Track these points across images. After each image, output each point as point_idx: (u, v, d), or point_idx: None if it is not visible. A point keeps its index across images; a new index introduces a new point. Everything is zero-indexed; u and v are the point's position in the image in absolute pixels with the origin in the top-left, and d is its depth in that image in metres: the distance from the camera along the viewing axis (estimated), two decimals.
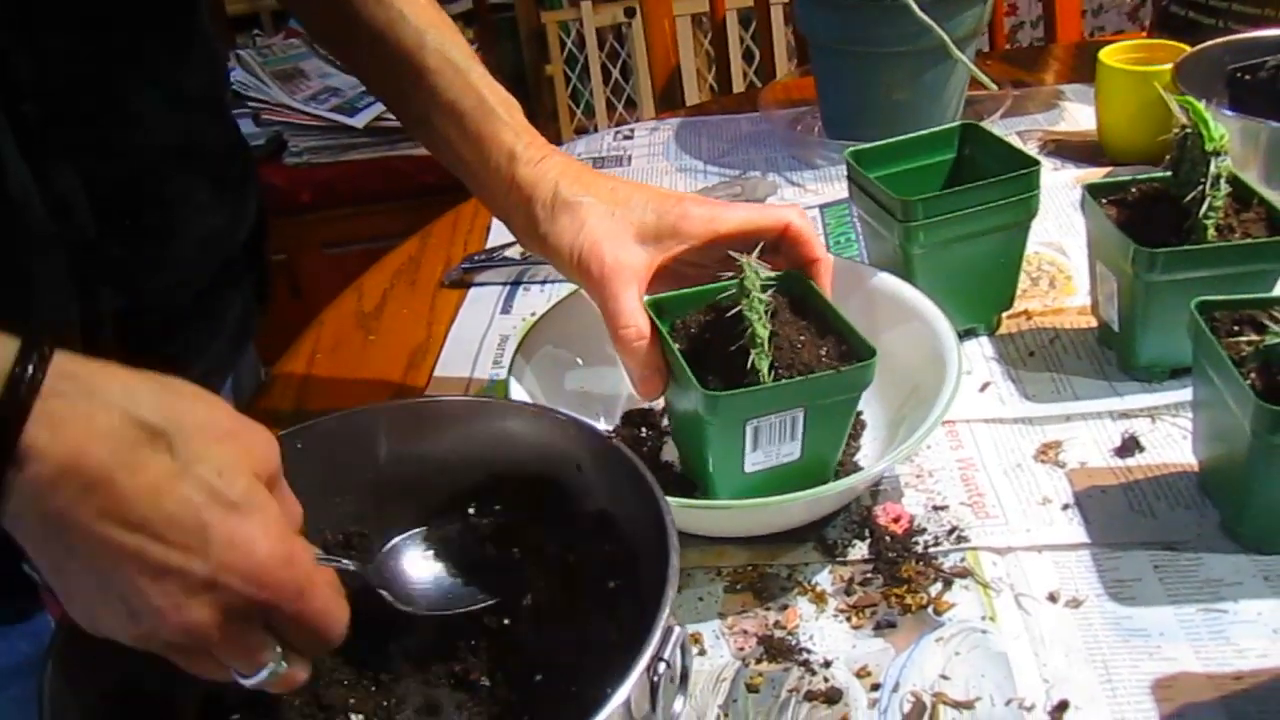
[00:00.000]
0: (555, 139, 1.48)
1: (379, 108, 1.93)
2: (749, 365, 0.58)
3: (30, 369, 0.40)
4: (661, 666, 0.43)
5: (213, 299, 0.73)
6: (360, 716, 0.54)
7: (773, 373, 0.59)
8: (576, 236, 0.63)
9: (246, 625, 0.44)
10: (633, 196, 0.64)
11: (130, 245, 0.65)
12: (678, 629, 0.44)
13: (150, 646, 0.43)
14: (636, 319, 0.61)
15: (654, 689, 0.43)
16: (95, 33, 0.62)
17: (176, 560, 0.41)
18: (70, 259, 0.61)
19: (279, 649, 0.45)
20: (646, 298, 0.64)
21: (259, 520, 0.43)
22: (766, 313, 0.59)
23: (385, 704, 0.54)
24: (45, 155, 0.59)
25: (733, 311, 0.59)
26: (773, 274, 0.63)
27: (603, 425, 0.73)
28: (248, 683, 0.45)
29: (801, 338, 0.61)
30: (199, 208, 0.70)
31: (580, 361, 0.74)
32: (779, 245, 0.65)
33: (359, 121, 1.91)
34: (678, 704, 0.45)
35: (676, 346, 0.62)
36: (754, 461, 0.61)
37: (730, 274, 0.60)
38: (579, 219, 0.63)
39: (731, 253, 0.60)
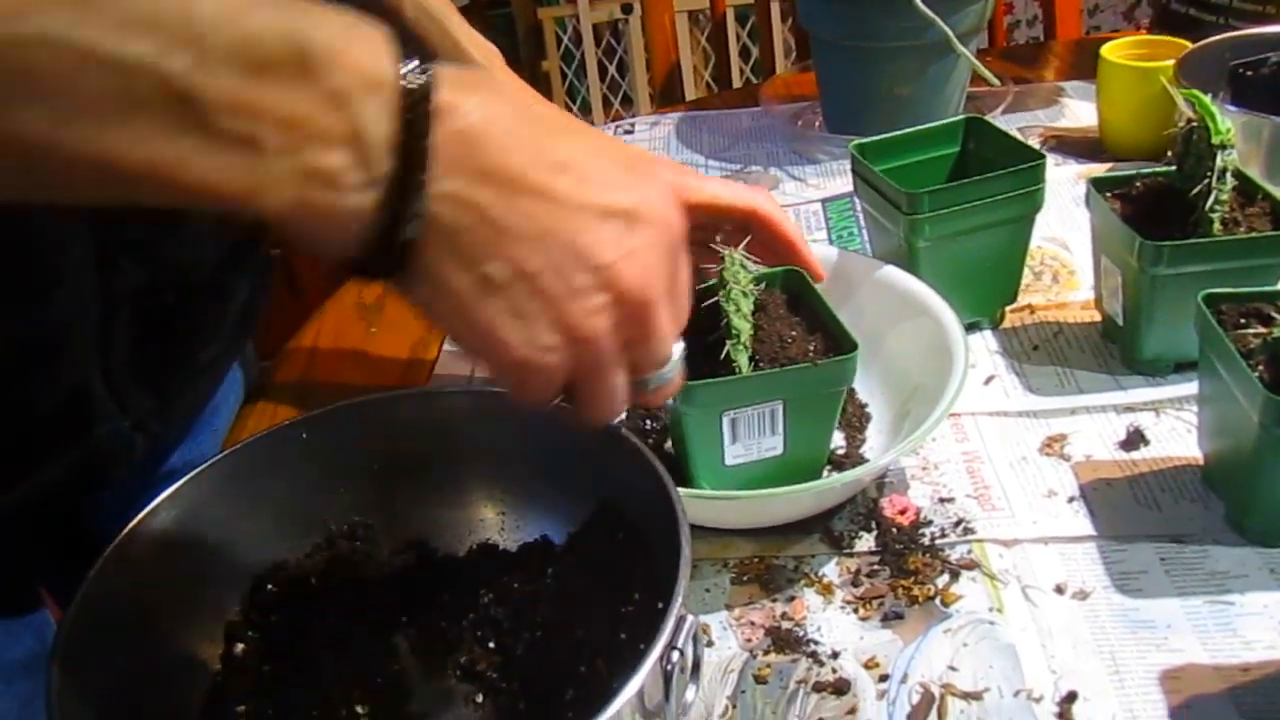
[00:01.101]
0: None
1: None
2: (724, 356, 0.59)
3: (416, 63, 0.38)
4: (675, 656, 0.42)
5: (221, 281, 0.73)
6: (367, 709, 0.53)
7: (753, 365, 0.59)
8: None
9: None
10: None
11: (150, 217, 0.65)
12: (690, 618, 0.44)
13: (586, 331, 0.41)
14: None
15: (667, 678, 0.42)
16: None
17: (609, 196, 0.41)
18: (94, 231, 0.61)
19: None
20: None
21: (666, 183, 0.44)
22: (749, 305, 0.60)
23: (392, 697, 0.54)
24: None
25: (707, 303, 0.60)
26: (768, 269, 0.63)
27: None
28: (664, 373, 0.47)
29: (793, 333, 0.61)
30: None
31: None
32: (750, 228, 0.64)
33: None
34: (689, 693, 0.45)
35: None
36: (734, 454, 0.61)
37: (714, 264, 0.61)
38: None
39: (714, 245, 0.60)
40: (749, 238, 0.62)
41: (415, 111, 0.36)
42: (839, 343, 0.61)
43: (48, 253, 0.60)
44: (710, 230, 0.62)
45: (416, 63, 0.37)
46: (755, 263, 0.61)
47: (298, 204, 0.36)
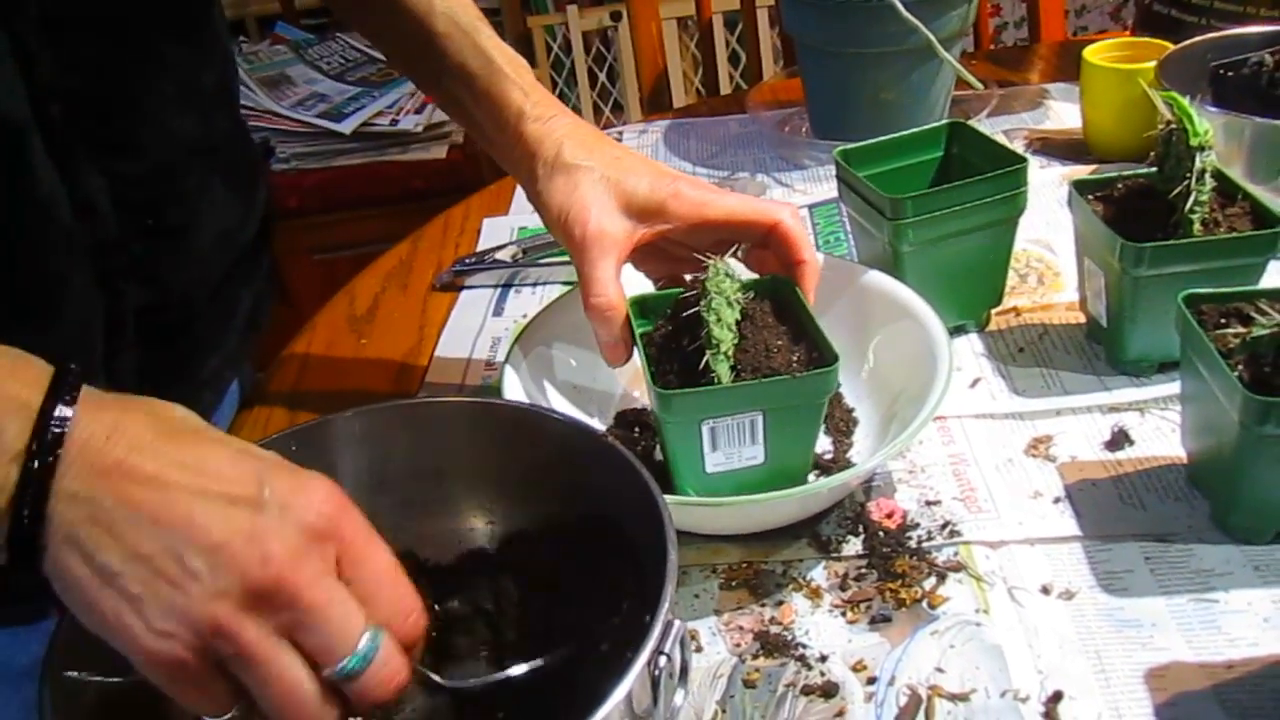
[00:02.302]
0: None
1: (366, 113, 1.93)
2: (703, 365, 0.59)
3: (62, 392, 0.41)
4: (662, 661, 0.43)
5: (226, 294, 0.74)
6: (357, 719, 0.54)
7: (736, 374, 0.60)
8: (567, 199, 0.64)
9: (335, 571, 0.42)
10: (632, 168, 0.65)
11: (152, 242, 0.66)
12: (678, 623, 0.44)
13: (206, 615, 0.40)
14: (608, 289, 0.62)
15: (655, 683, 0.43)
16: (116, 33, 0.62)
17: (227, 485, 0.41)
18: (94, 258, 0.62)
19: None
20: (633, 295, 0.65)
21: (319, 479, 0.44)
22: (734, 313, 0.60)
23: (383, 706, 0.54)
24: (70, 156, 0.59)
25: (689, 312, 0.60)
26: (755, 278, 0.64)
27: (597, 424, 0.73)
28: (345, 668, 0.41)
29: (778, 343, 0.62)
30: (214, 202, 0.72)
31: (574, 362, 0.74)
32: (769, 241, 0.65)
33: (346, 127, 1.91)
34: (678, 698, 0.45)
35: (642, 336, 0.63)
36: (715, 463, 0.61)
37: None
38: (573, 181, 0.64)
39: (699, 254, 0.61)
40: (736, 246, 0.62)
41: (46, 434, 0.40)
42: (821, 353, 0.61)
43: (50, 284, 0.60)
44: (729, 245, 0.62)
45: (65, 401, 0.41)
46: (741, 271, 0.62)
47: None
